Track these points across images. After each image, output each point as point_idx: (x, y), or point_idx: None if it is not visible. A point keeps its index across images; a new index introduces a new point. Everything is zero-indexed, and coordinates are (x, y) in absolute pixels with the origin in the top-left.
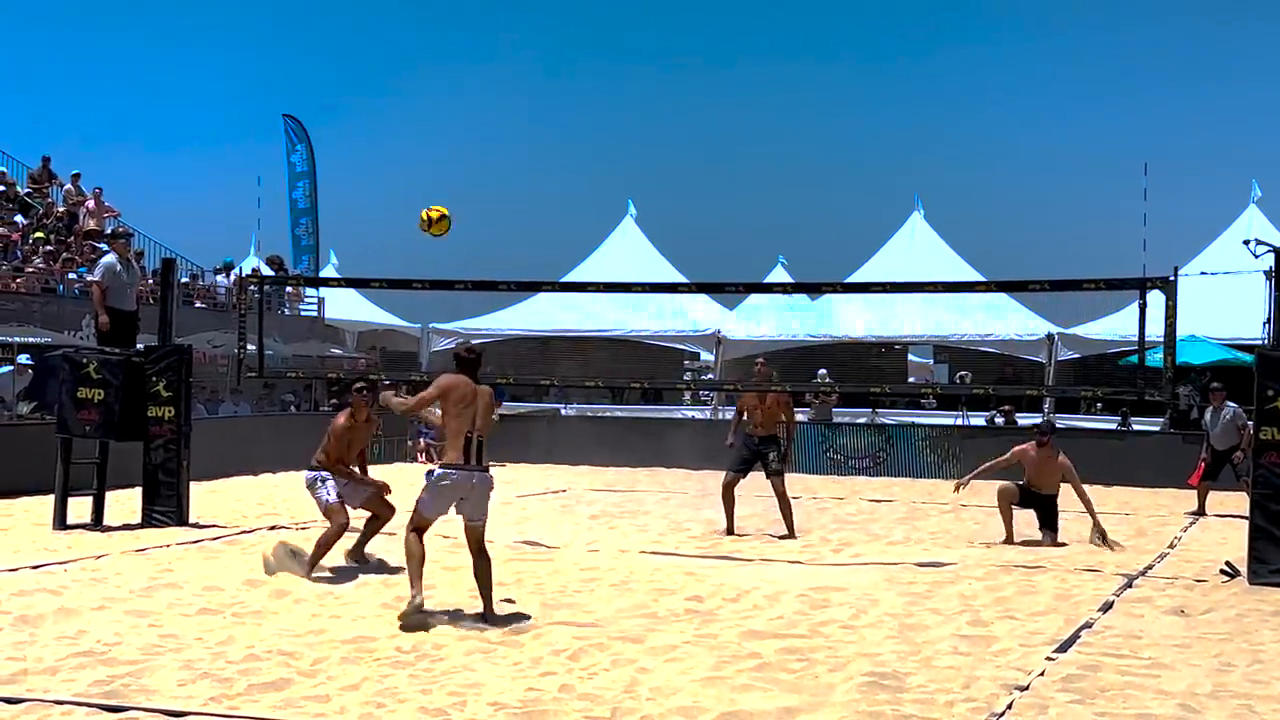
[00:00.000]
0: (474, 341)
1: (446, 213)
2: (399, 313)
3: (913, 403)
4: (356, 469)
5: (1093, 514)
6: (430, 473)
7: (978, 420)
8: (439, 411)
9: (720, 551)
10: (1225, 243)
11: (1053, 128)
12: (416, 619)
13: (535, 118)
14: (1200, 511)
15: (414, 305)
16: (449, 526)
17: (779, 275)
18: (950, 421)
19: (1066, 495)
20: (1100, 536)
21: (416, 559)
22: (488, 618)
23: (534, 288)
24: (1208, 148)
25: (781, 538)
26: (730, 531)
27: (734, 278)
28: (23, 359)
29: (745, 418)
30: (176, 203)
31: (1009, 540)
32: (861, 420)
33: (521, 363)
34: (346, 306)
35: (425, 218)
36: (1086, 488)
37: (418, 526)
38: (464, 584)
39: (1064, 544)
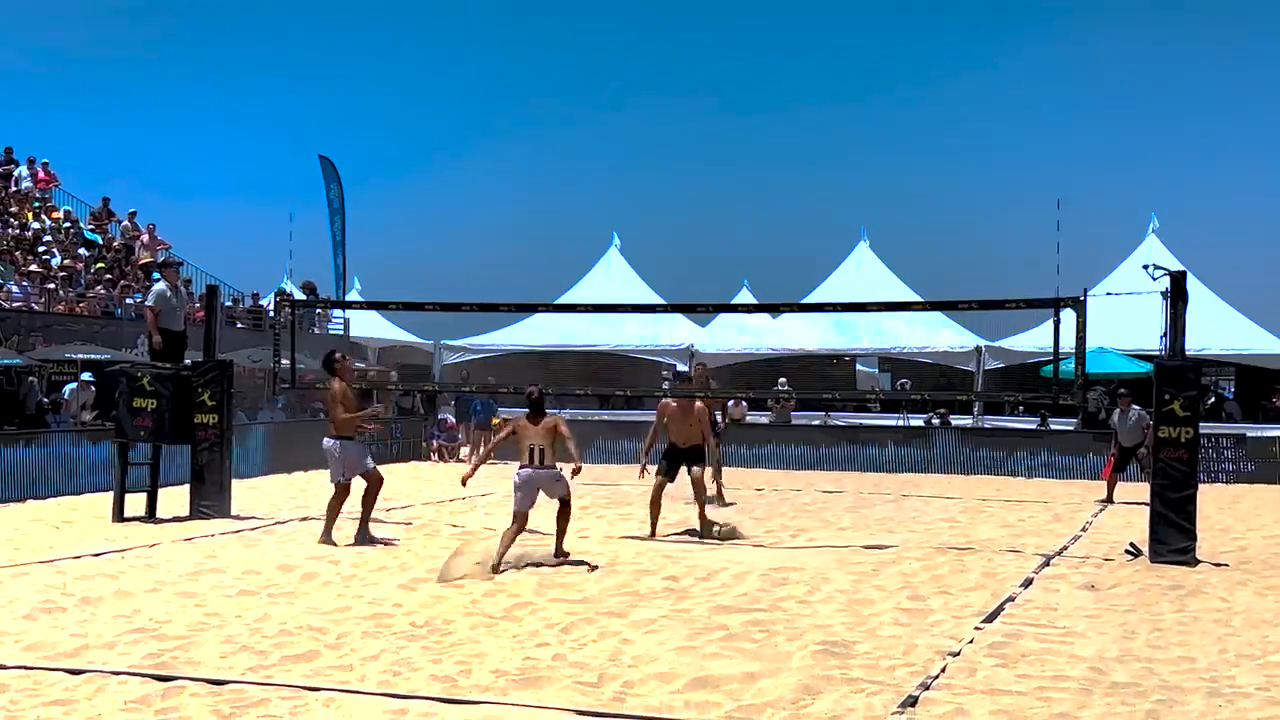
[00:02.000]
0: (479, 357)
1: None
2: (414, 330)
3: (860, 407)
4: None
5: (717, 465)
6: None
7: (917, 421)
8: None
9: (693, 536)
10: (1129, 267)
11: (981, 166)
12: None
13: (535, 160)
14: (1109, 500)
15: (427, 324)
16: (464, 520)
17: (744, 296)
18: (893, 423)
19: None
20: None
21: (508, 541)
22: (557, 553)
23: (531, 309)
24: (1113, 184)
25: (701, 536)
26: (653, 536)
27: (705, 299)
28: (86, 376)
29: (666, 425)
30: (220, 236)
31: (652, 536)
32: (816, 421)
33: (521, 374)
34: (368, 325)
35: None
36: (1010, 480)
37: (515, 517)
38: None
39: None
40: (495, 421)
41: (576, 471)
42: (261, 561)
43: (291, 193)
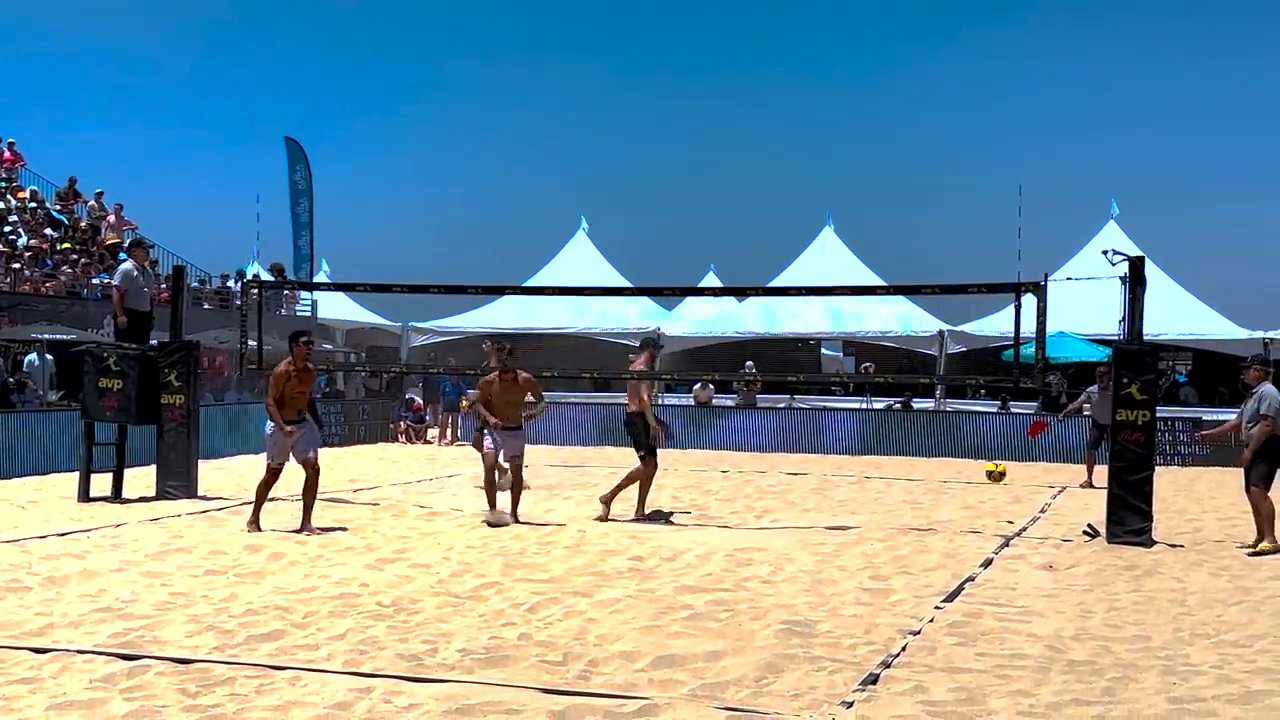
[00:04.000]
0: (447, 339)
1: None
2: (382, 312)
3: (825, 390)
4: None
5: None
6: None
7: (880, 405)
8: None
9: (660, 518)
10: (1089, 253)
11: (945, 151)
12: (495, 517)
13: (503, 142)
14: (1090, 484)
15: (395, 306)
16: (431, 500)
17: (711, 280)
18: (857, 406)
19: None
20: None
21: (492, 485)
22: (514, 515)
23: (499, 291)
24: (1073, 171)
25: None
26: (492, 507)
27: (672, 283)
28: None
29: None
30: (187, 217)
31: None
32: (781, 405)
33: (488, 356)
34: (336, 307)
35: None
36: (971, 462)
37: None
38: (440, 546)
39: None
40: (464, 403)
41: (535, 416)
42: (228, 541)
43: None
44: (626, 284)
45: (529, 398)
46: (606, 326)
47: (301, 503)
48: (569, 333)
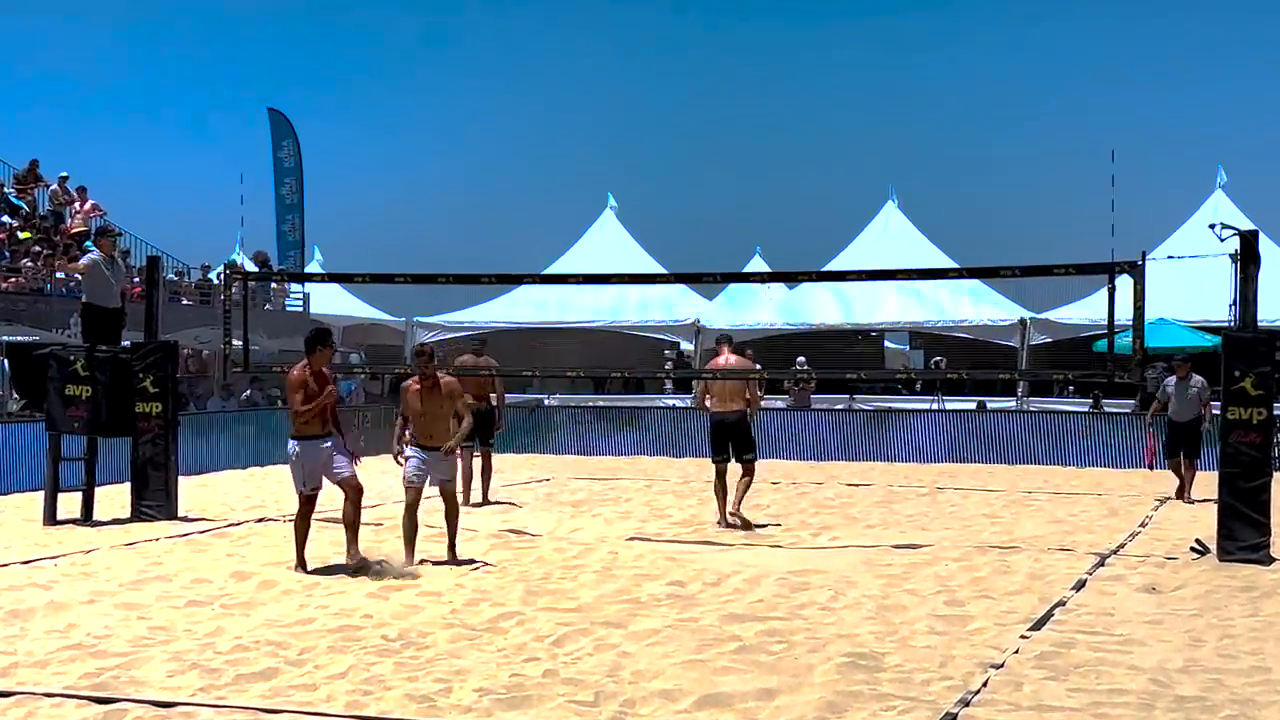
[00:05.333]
0: (458, 336)
1: None
2: (383, 307)
3: (889, 389)
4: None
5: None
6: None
7: (953, 405)
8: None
9: (702, 537)
10: (1192, 227)
11: (1024, 117)
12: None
13: (517, 112)
14: (1183, 496)
15: (398, 299)
16: (443, 520)
17: (756, 265)
18: (926, 406)
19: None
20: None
21: (411, 527)
22: (452, 554)
23: (516, 280)
24: (1174, 134)
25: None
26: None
27: (712, 268)
28: None
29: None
30: (162, 202)
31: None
32: (839, 406)
33: (504, 354)
34: (331, 301)
35: None
36: (1060, 470)
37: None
38: (452, 571)
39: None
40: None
41: (448, 452)
42: (213, 568)
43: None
44: (661, 270)
45: (494, 408)
46: (639, 319)
47: (344, 532)
48: (596, 327)
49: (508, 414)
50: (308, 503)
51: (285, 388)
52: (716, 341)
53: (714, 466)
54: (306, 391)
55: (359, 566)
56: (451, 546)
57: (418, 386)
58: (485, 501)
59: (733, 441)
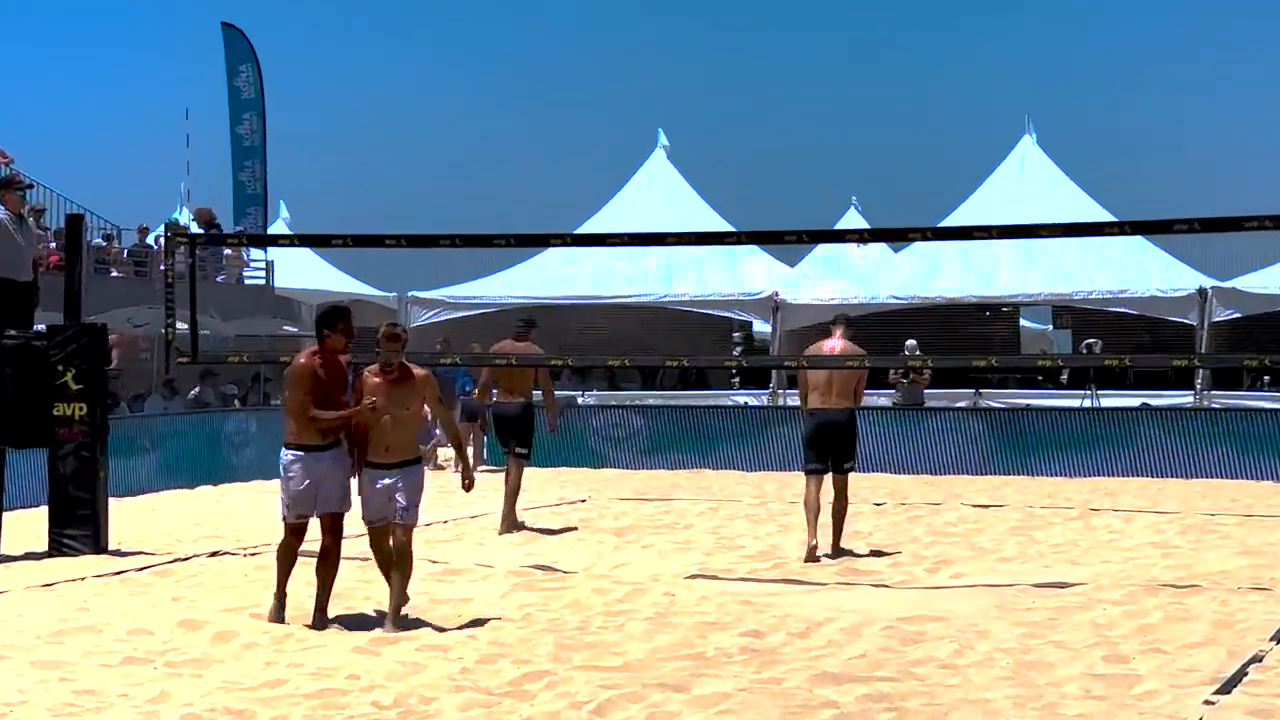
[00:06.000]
0: (465, 315)
1: None
2: (369, 279)
3: (1027, 380)
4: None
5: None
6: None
7: (1111, 401)
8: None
9: (785, 574)
10: None
11: (1197, 31)
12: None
13: (537, 28)
14: None
15: (388, 269)
16: (447, 552)
17: (852, 220)
18: (1076, 403)
19: None
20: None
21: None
22: (393, 619)
23: (541, 242)
24: None
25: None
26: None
27: (794, 225)
28: None
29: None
30: (86, 146)
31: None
32: (961, 404)
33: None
34: (302, 272)
35: None
36: (1253, 485)
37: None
38: (462, 618)
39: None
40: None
41: (429, 456)
42: (155, 616)
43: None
44: (728, 227)
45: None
46: (699, 292)
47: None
48: (643, 302)
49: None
50: (295, 534)
51: (286, 381)
52: (833, 321)
53: (805, 477)
54: (314, 386)
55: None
56: (396, 610)
57: (379, 379)
58: (511, 527)
59: (835, 448)
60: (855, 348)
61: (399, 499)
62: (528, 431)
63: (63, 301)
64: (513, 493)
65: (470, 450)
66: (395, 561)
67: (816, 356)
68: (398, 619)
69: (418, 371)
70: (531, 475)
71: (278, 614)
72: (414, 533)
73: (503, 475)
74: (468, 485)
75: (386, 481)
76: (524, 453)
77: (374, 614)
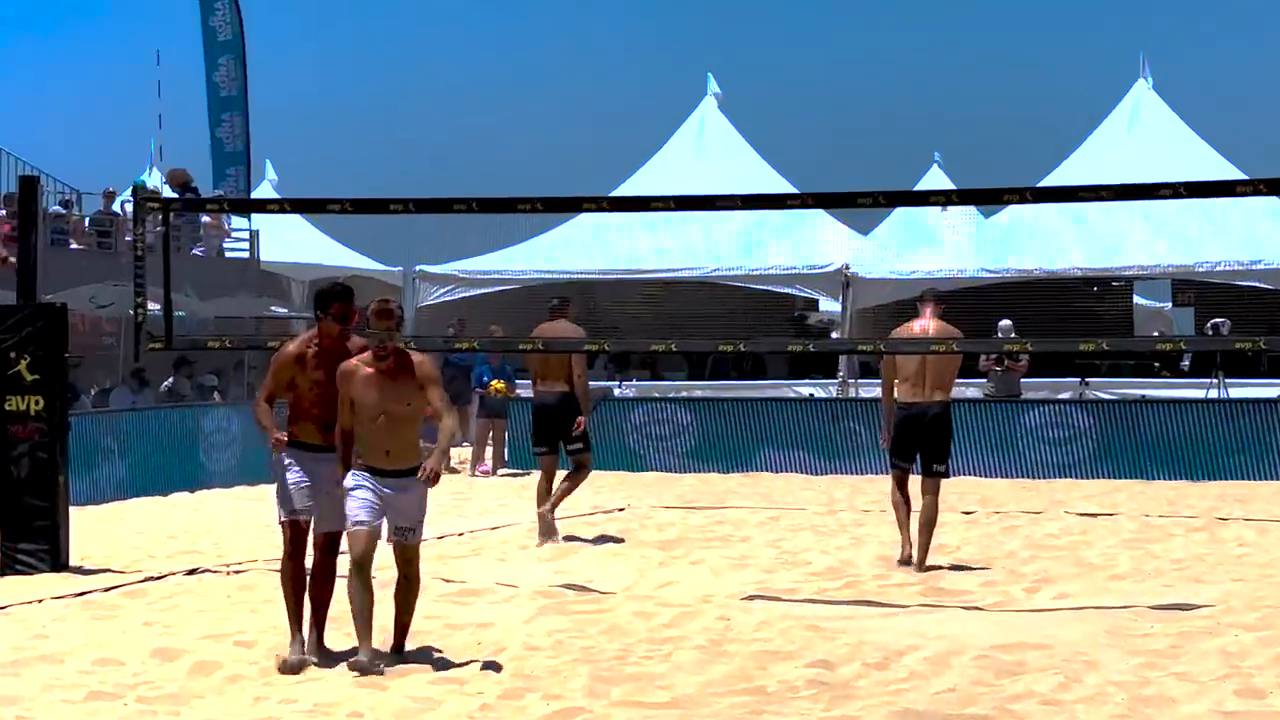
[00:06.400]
0: (481, 294)
1: None
2: (370, 251)
3: (1142, 367)
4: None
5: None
6: None
7: (1243, 391)
8: None
9: (859, 594)
10: None
11: None
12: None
13: None
14: None
15: (392, 239)
16: (465, 570)
17: (935, 180)
18: (1200, 394)
19: None
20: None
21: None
22: (397, 647)
23: (572, 206)
24: None
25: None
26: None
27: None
28: None
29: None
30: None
31: None
32: (1064, 395)
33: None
34: (292, 243)
35: None
36: None
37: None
38: (482, 646)
39: None
40: (494, 386)
41: (432, 477)
42: (125, 644)
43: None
44: (790, 188)
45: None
46: (755, 265)
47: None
48: (689, 277)
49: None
50: (295, 535)
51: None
52: (920, 298)
53: (892, 476)
54: (295, 377)
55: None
56: (401, 637)
57: (371, 370)
58: (549, 535)
59: (925, 446)
60: (951, 329)
61: (401, 516)
62: (572, 424)
63: (15, 279)
64: (562, 495)
65: (490, 451)
66: (400, 584)
67: (903, 340)
68: (403, 640)
69: (417, 359)
70: (556, 479)
71: (296, 658)
72: (422, 549)
73: (531, 479)
74: (430, 476)
75: (386, 493)
76: (579, 447)
77: (378, 643)
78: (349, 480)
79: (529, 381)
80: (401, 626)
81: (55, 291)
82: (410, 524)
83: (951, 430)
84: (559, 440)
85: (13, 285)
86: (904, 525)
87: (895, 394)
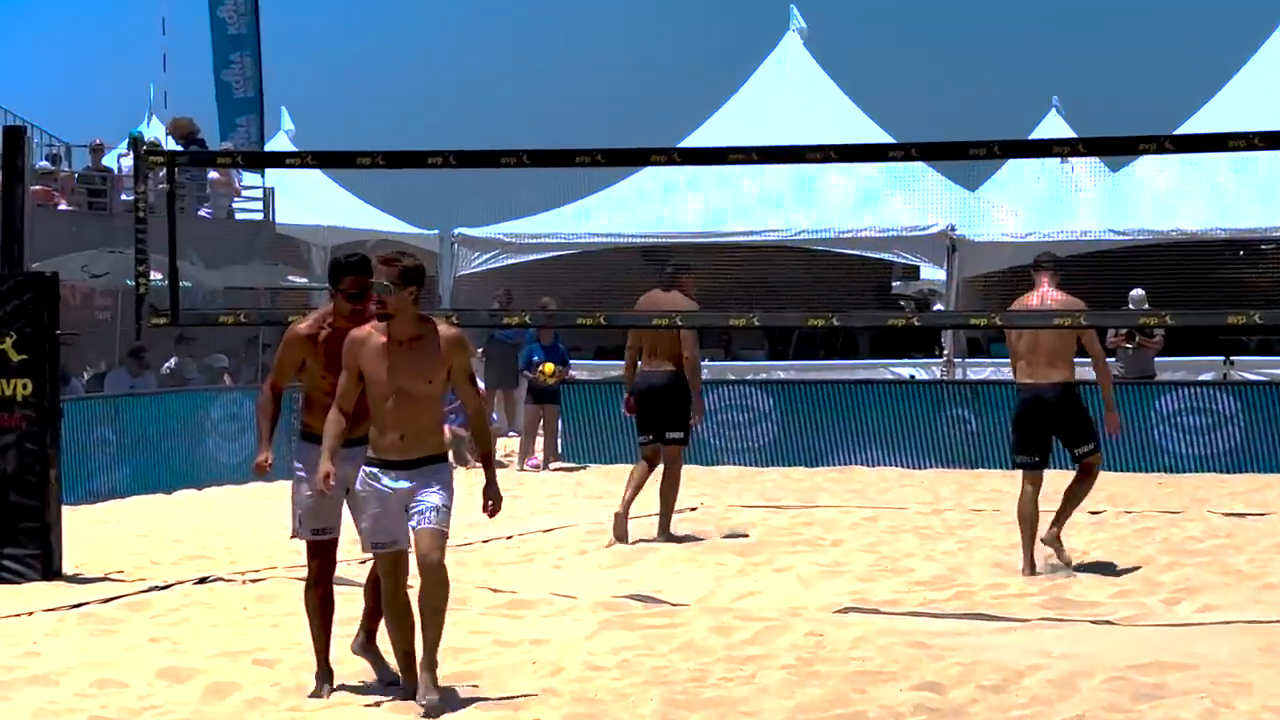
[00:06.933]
0: (528, 261)
1: None
2: (402, 212)
3: None
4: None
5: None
6: None
7: None
8: None
9: (971, 606)
10: None
11: None
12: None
13: None
14: None
15: (428, 199)
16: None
17: (1053, 127)
18: None
19: None
20: None
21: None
22: (426, 668)
23: (637, 159)
24: None
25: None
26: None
27: (975, 134)
28: None
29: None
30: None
31: None
32: (1206, 376)
33: (612, 289)
34: (313, 203)
35: None
36: None
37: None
38: (537, 666)
39: None
40: (544, 369)
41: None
42: (127, 663)
43: None
44: (886, 137)
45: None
46: (844, 227)
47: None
48: (770, 241)
49: (618, 396)
50: (317, 556)
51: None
52: (1035, 264)
53: (1023, 479)
54: (296, 362)
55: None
56: (431, 665)
57: (384, 339)
58: (666, 535)
59: (1059, 432)
60: (1073, 300)
61: (422, 512)
62: (680, 409)
63: None
64: (670, 493)
65: (542, 442)
66: (425, 595)
67: (1022, 314)
68: (433, 669)
69: (444, 329)
70: (623, 473)
71: (322, 688)
72: (458, 550)
73: (587, 473)
74: (490, 507)
75: (400, 486)
76: (679, 437)
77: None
78: (357, 487)
79: (589, 361)
80: (430, 642)
81: (42, 259)
82: (435, 520)
83: (1085, 409)
84: (664, 428)
85: None
86: (1029, 544)
87: (1016, 374)
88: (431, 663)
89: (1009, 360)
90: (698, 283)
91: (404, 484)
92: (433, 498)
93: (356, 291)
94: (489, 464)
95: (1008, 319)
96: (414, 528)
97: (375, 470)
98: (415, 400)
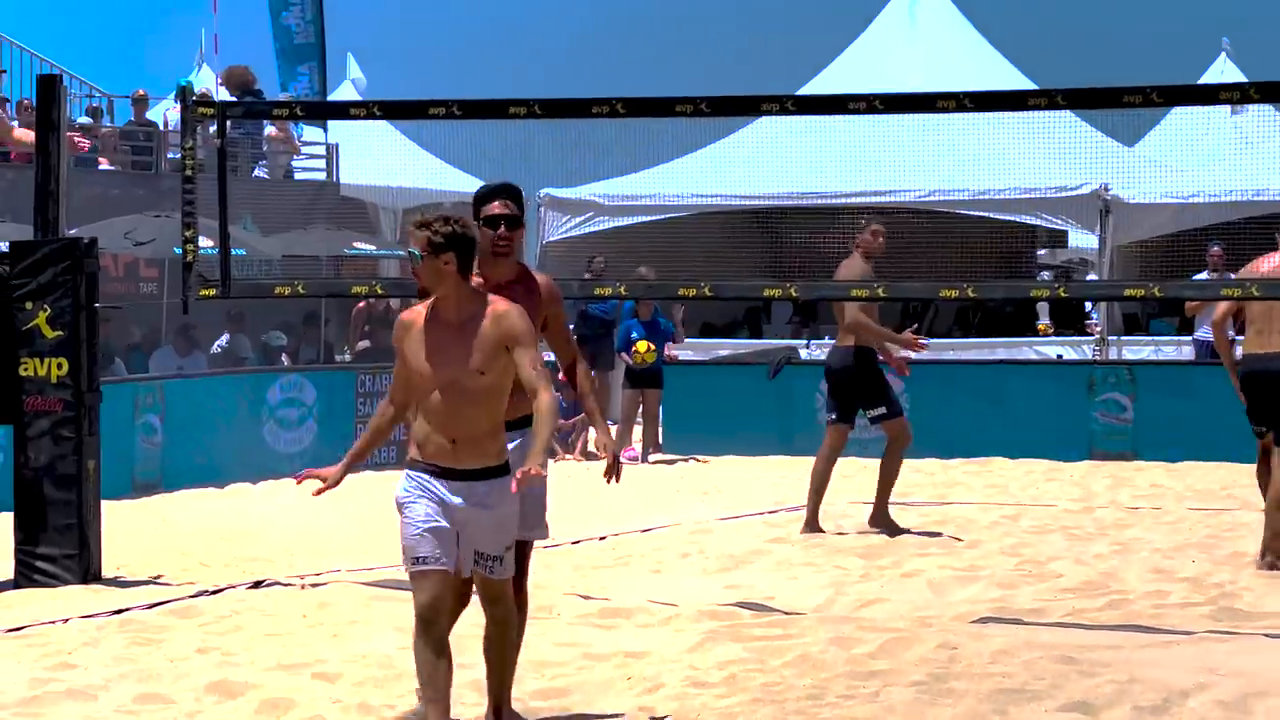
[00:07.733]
0: (622, 224)
1: None
2: (481, 171)
3: None
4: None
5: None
6: None
7: None
8: None
9: (1127, 616)
10: None
11: None
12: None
13: None
14: None
15: (510, 156)
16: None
17: (1223, 72)
18: None
19: None
20: None
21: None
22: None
23: (747, 108)
24: None
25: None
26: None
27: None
28: None
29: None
30: None
31: None
32: None
33: (714, 258)
34: (381, 161)
35: None
36: None
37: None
38: (633, 683)
39: None
40: (640, 347)
41: (528, 476)
42: (173, 676)
43: None
44: (1028, 83)
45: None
46: (986, 186)
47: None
48: (899, 203)
49: (727, 378)
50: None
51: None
52: None
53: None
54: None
55: None
56: (498, 706)
57: (432, 322)
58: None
59: None
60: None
61: (480, 539)
62: (867, 385)
63: (32, 208)
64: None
65: (640, 430)
66: (489, 631)
67: (1244, 280)
68: (507, 707)
69: (502, 305)
70: (731, 466)
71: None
72: (544, 551)
73: (690, 466)
74: (527, 483)
75: (453, 502)
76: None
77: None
78: (399, 491)
79: (693, 339)
80: (497, 690)
81: (80, 225)
82: (495, 550)
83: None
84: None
85: (28, 216)
86: (1273, 522)
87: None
88: (500, 705)
89: (1172, 337)
90: (816, 251)
91: (457, 500)
92: (496, 539)
93: (497, 216)
94: (594, 415)
95: (1168, 290)
96: (477, 573)
97: (424, 475)
98: (468, 396)
